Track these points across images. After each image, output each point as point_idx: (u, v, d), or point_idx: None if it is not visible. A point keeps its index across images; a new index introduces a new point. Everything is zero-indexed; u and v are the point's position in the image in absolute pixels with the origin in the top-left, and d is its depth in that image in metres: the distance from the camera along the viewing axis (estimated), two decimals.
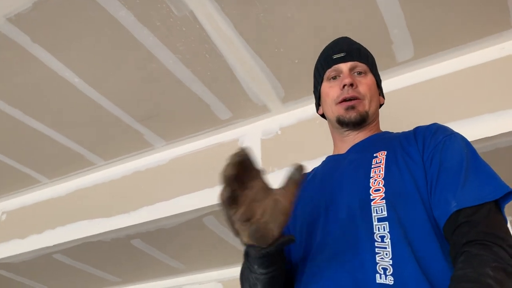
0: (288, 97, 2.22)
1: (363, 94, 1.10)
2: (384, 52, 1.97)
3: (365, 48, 1.20)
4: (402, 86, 2.05)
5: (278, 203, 0.81)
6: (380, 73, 2.02)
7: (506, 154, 1.82)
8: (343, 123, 1.10)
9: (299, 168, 0.83)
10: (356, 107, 1.09)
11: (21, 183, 2.87)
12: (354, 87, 1.10)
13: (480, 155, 0.95)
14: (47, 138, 2.47)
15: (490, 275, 0.73)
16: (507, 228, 0.83)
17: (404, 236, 0.85)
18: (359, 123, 1.10)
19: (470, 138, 1.74)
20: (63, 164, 2.70)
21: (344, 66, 1.14)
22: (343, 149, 1.13)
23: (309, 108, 2.21)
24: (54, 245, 2.67)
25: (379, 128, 1.17)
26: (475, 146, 1.71)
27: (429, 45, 1.95)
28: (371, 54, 1.21)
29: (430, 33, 1.90)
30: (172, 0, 1.75)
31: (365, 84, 1.12)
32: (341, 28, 1.81)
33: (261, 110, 2.30)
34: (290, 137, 2.25)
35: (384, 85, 2.06)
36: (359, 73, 1.14)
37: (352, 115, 1.08)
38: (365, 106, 1.10)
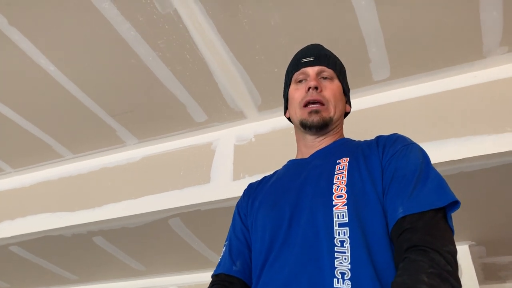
0: (265, 105, 2.24)
1: (327, 99, 1.12)
2: (362, 70, 2.01)
3: (335, 56, 1.23)
4: (376, 104, 2.10)
5: None
6: (356, 90, 2.09)
7: (470, 178, 1.87)
8: (305, 126, 1.12)
9: None
10: (320, 112, 1.10)
11: None
12: (319, 90, 1.12)
13: (444, 177, 0.98)
14: (15, 126, 2.40)
15: (425, 281, 0.76)
16: (449, 235, 0.86)
17: (363, 241, 0.87)
18: (322, 127, 1.11)
19: (436, 160, 1.79)
20: (29, 154, 2.63)
21: (311, 70, 1.16)
22: (307, 153, 1.15)
23: (285, 118, 2.22)
24: (12, 237, 2.58)
25: (342, 135, 1.20)
26: (440, 168, 1.77)
27: (405, 66, 2.00)
28: (341, 62, 1.23)
29: (407, 56, 1.95)
30: None
31: (330, 89, 1.14)
32: (322, 41, 1.83)
33: (237, 116, 2.31)
34: (263, 145, 2.25)
35: (359, 102, 2.12)
36: (325, 78, 1.16)
37: (315, 119, 1.10)
38: (330, 111, 1.12)
